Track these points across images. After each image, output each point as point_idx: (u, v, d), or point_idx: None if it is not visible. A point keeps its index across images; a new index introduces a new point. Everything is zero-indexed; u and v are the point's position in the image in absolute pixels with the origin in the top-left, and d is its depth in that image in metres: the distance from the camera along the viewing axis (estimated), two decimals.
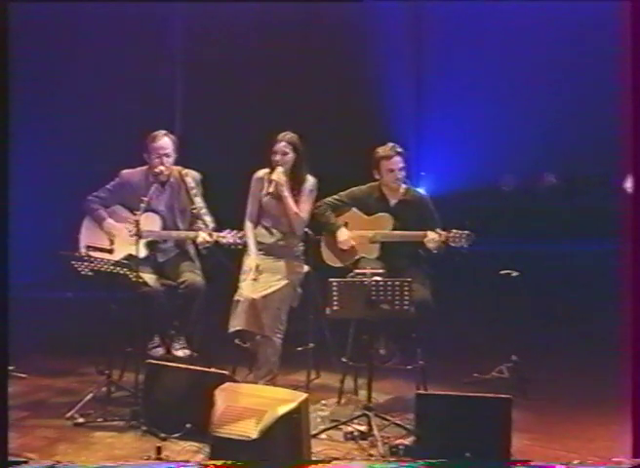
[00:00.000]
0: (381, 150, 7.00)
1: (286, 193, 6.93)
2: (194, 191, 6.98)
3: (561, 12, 10.36)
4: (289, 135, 6.99)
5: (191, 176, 7.06)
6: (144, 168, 7.10)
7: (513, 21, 10.52)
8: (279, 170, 6.92)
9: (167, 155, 7.00)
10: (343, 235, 7.01)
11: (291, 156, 6.97)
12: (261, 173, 7.07)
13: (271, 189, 6.96)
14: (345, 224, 7.06)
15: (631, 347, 5.12)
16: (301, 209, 6.98)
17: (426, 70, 11.05)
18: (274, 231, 7.05)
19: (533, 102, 10.62)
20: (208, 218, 6.88)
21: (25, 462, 5.27)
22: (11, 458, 5.17)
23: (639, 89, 5.25)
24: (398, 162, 6.97)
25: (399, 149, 6.99)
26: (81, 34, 10.14)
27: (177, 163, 7.10)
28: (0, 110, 5.31)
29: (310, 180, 7.04)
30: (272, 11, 10.16)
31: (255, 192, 7.09)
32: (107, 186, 7.14)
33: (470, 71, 10.63)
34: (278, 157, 6.95)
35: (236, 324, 6.78)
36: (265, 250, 7.03)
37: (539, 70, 10.60)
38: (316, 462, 5.38)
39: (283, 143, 6.97)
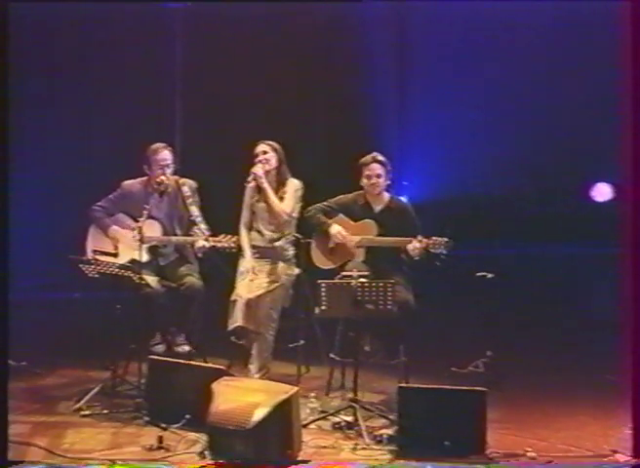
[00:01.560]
0: (364, 158, 7.03)
1: (265, 185, 6.97)
2: (190, 200, 6.99)
3: (548, 21, 10.31)
4: (267, 141, 7.06)
5: (188, 186, 7.08)
6: (144, 178, 7.14)
7: (497, 33, 10.46)
8: (259, 166, 6.98)
9: (167, 166, 7.05)
10: (335, 229, 6.96)
11: (272, 155, 7.01)
12: (254, 183, 7.10)
13: (249, 179, 7.00)
14: None
15: (631, 348, 5.01)
16: (286, 204, 7.00)
17: (409, 86, 11.04)
18: (265, 233, 7.08)
19: (508, 117, 10.63)
20: (203, 226, 6.88)
21: (23, 462, 5.20)
22: (11, 458, 5.11)
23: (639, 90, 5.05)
24: (375, 168, 6.93)
25: (380, 158, 6.94)
26: (84, 48, 10.10)
27: (175, 173, 7.15)
28: (2, 120, 5.16)
29: (295, 182, 7.07)
30: (264, 26, 10.16)
31: (247, 200, 7.14)
32: (110, 196, 7.17)
33: (451, 86, 10.63)
34: (260, 157, 7.00)
35: (234, 321, 6.82)
36: (259, 253, 7.06)
37: (517, 84, 10.58)
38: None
39: (262, 145, 7.04)
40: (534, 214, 11.00)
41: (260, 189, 7.02)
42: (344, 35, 10.47)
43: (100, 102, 10.04)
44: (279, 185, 7.05)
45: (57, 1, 9.35)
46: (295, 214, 7.07)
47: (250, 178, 7.01)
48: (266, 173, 7.00)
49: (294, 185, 7.06)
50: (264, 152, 7.02)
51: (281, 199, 7.00)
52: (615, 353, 7.51)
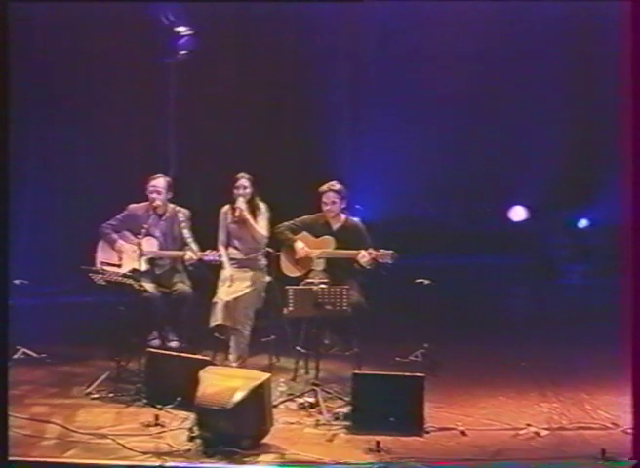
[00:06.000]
0: (321, 187, 7.04)
1: (248, 216, 7.01)
2: (183, 224, 7.02)
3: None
4: (246, 175, 7.06)
5: (183, 213, 7.11)
6: (147, 203, 7.14)
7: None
8: (241, 199, 7.00)
9: (158, 191, 7.05)
10: (300, 245, 7.00)
11: (249, 190, 7.04)
12: (226, 207, 7.15)
13: (236, 213, 7.02)
14: None
15: (632, 349, 4.71)
16: (260, 226, 7.05)
17: (361, 123, 11.08)
18: (242, 249, 7.11)
19: (442, 147, 10.71)
20: (193, 246, 6.90)
21: (26, 462, 5.02)
22: (11, 458, 4.86)
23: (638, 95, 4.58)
24: (330, 196, 6.97)
25: (334, 187, 6.98)
26: (87, 83, 10.02)
27: (171, 201, 7.16)
28: (2, 135, 4.91)
29: (263, 206, 7.12)
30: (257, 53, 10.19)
31: (222, 222, 7.16)
32: (117, 216, 7.17)
33: (396, 121, 10.67)
34: (240, 191, 7.02)
35: (214, 320, 6.82)
36: (237, 264, 7.09)
37: (456, 117, 10.62)
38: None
39: (244, 180, 7.04)
40: (462, 230, 11.09)
41: (234, 210, 7.04)
42: (300, 69, 10.45)
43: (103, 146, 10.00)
44: (252, 210, 7.07)
45: (57, 1, 9.19)
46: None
47: (237, 213, 7.01)
48: (244, 202, 7.03)
49: (263, 209, 7.10)
50: (244, 187, 7.03)
51: (255, 221, 7.04)
52: (527, 344, 7.66)
